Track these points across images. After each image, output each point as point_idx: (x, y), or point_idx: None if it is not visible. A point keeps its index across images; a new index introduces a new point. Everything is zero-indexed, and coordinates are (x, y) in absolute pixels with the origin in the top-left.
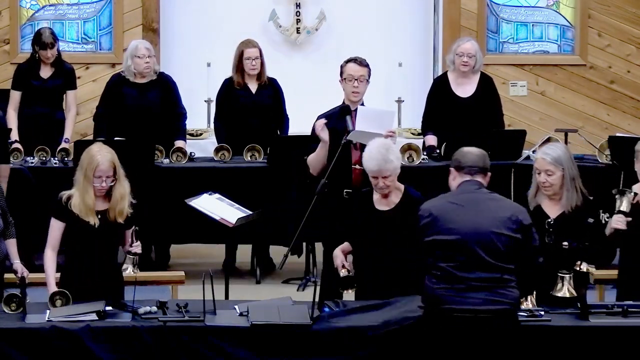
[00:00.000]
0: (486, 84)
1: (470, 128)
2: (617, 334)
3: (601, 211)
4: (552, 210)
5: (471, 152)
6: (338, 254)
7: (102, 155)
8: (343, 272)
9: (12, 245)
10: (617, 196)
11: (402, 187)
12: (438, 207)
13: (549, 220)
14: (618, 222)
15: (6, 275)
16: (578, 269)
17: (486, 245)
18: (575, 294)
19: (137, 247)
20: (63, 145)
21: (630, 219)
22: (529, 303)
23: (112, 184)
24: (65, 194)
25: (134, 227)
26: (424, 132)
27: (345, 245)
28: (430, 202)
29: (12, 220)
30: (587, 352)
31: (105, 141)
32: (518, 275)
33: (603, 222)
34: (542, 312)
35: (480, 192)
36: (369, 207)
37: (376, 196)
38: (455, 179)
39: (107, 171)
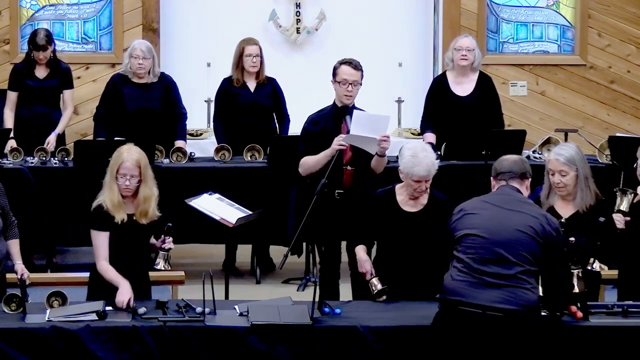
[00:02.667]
0: (485, 82)
1: (470, 127)
2: (617, 334)
3: None
4: (565, 211)
5: (507, 159)
6: (366, 258)
7: (129, 153)
8: (379, 285)
9: (14, 245)
10: (618, 194)
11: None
12: (470, 205)
13: (562, 220)
14: (617, 221)
15: (8, 275)
16: (590, 267)
17: (509, 243)
18: (584, 289)
19: (169, 243)
20: (51, 137)
21: (629, 218)
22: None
23: (137, 184)
24: (99, 201)
25: (167, 223)
26: (423, 130)
27: (365, 247)
28: (465, 202)
29: (14, 220)
30: (587, 352)
31: (105, 141)
32: (544, 285)
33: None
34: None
35: (513, 194)
36: (395, 208)
37: (401, 197)
38: (494, 187)
39: (131, 170)
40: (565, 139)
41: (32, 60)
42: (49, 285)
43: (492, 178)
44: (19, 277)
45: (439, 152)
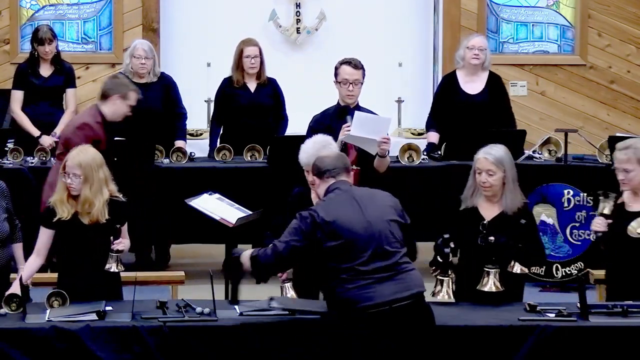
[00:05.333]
0: (495, 82)
1: (480, 125)
2: (617, 334)
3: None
4: (489, 212)
5: (327, 156)
6: None
7: (76, 153)
8: (291, 291)
9: (18, 249)
10: (600, 198)
11: None
12: (324, 212)
13: (484, 222)
14: (597, 224)
15: (12, 275)
16: (511, 270)
17: (384, 235)
18: (501, 289)
19: (118, 245)
20: (51, 139)
21: (610, 221)
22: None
23: (79, 185)
24: (50, 199)
25: (117, 225)
26: (428, 129)
27: None
28: (317, 210)
29: (18, 224)
30: (587, 352)
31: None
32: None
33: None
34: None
35: (353, 189)
36: (308, 206)
37: (313, 194)
38: (320, 186)
39: (72, 168)
40: (565, 139)
41: (36, 59)
42: (49, 285)
43: (315, 177)
44: (23, 282)
45: (439, 152)
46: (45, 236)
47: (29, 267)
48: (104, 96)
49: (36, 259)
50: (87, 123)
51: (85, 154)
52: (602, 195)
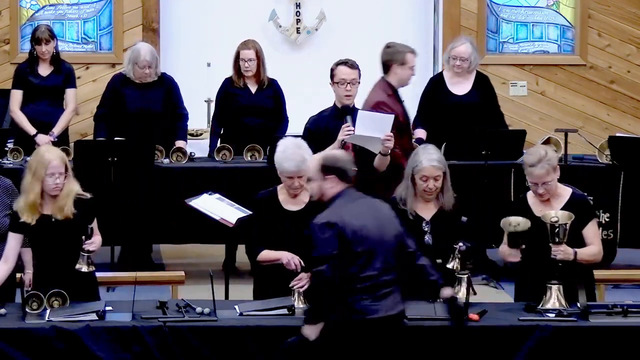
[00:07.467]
0: (482, 82)
1: (468, 126)
2: (617, 334)
3: (601, 211)
4: (427, 212)
5: (346, 159)
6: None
7: (51, 153)
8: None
9: (27, 253)
10: (505, 228)
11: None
12: (349, 218)
13: (425, 221)
14: (511, 255)
15: (17, 275)
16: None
17: (392, 249)
18: (475, 294)
19: (89, 245)
20: (48, 137)
21: (524, 246)
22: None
23: (65, 181)
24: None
25: (89, 225)
26: (415, 127)
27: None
28: (342, 216)
29: None
30: (587, 352)
31: (105, 141)
32: (401, 277)
33: (604, 222)
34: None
35: (368, 198)
36: (277, 208)
37: (282, 196)
38: (334, 187)
39: (59, 167)
40: (565, 139)
41: (35, 58)
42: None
43: (333, 176)
44: (25, 288)
45: None
46: (13, 241)
47: None
48: (385, 68)
49: (3, 265)
50: (381, 101)
51: (58, 151)
52: (507, 224)
